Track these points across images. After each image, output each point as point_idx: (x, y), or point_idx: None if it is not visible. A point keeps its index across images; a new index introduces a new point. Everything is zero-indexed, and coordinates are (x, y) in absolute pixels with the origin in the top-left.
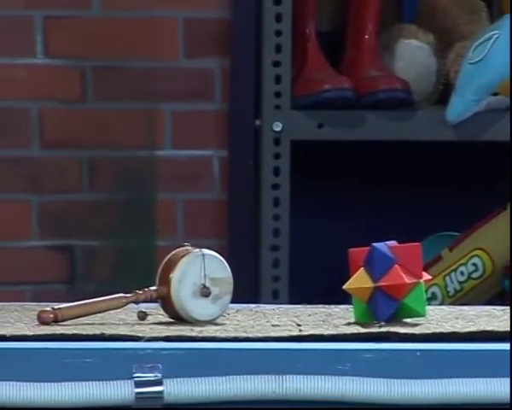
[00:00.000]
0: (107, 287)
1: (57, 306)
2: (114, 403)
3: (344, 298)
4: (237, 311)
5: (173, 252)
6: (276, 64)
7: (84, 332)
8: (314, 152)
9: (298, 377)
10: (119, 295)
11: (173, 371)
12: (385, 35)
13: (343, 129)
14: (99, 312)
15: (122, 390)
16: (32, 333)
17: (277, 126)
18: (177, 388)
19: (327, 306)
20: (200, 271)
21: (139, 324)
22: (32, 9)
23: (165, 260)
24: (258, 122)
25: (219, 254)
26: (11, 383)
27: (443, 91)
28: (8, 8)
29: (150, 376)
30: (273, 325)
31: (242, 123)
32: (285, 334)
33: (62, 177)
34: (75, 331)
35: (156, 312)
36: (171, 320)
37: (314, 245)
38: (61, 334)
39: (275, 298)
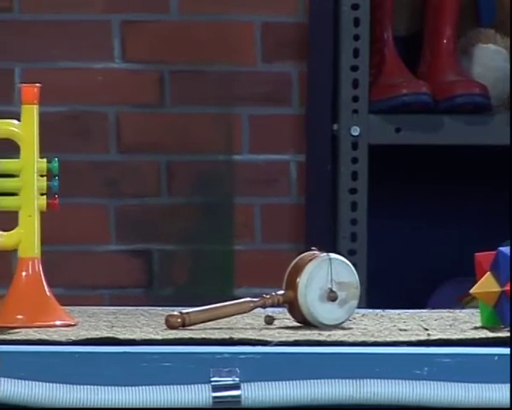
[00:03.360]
0: (184, 291)
1: (185, 310)
2: (192, 407)
3: (423, 304)
4: (363, 315)
5: (300, 256)
6: (354, 68)
7: (213, 337)
8: (392, 156)
9: (374, 381)
10: (246, 299)
11: (251, 375)
12: (462, 39)
13: (421, 133)
14: (226, 316)
15: (199, 394)
16: (160, 337)
17: (355, 131)
18: (254, 392)
19: (452, 310)
20: (327, 275)
21: (266, 328)
22: (109, 14)
23: (291, 265)
24: (335, 126)
25: None
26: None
27: None
28: (85, 13)
29: (228, 380)
30: (400, 330)
31: (320, 127)
32: (413, 339)
33: (140, 181)
34: (204, 336)
35: (283, 316)
36: (299, 324)
37: (391, 250)
38: (190, 338)
39: None
